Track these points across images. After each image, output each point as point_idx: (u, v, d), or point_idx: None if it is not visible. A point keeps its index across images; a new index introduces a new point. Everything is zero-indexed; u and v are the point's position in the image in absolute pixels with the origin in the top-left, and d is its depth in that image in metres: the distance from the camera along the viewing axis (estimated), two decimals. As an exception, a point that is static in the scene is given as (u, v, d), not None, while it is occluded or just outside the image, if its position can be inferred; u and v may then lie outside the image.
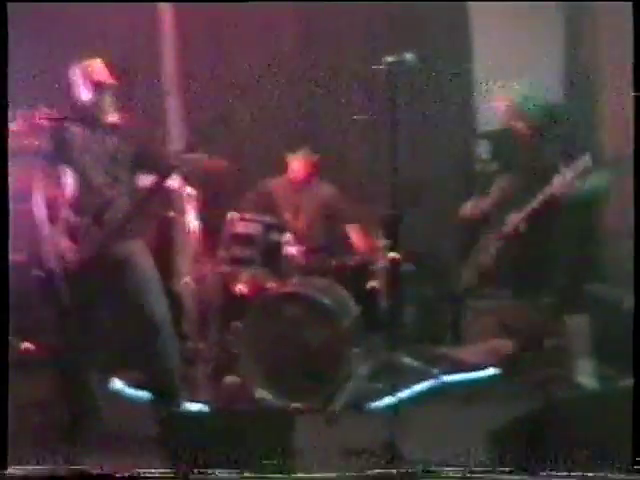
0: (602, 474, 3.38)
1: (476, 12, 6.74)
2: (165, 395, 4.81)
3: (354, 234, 6.06)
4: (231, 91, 6.81)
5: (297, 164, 6.23)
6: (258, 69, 6.84)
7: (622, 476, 3.34)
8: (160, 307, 4.77)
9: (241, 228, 5.72)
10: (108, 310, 4.83)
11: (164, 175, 4.66)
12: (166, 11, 6.73)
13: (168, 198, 5.97)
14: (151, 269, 4.81)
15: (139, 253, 4.78)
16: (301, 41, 7.01)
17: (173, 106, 6.84)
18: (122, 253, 4.68)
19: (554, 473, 3.46)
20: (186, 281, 5.80)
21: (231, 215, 5.78)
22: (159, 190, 4.74)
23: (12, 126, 5.78)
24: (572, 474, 3.43)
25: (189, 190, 5.50)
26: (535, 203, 4.78)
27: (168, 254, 6.27)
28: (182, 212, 5.92)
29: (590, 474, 3.41)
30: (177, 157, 4.65)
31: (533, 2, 6.35)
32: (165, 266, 6.01)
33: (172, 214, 6.19)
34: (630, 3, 4.23)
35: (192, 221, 5.60)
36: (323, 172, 6.35)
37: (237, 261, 5.68)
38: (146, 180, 4.81)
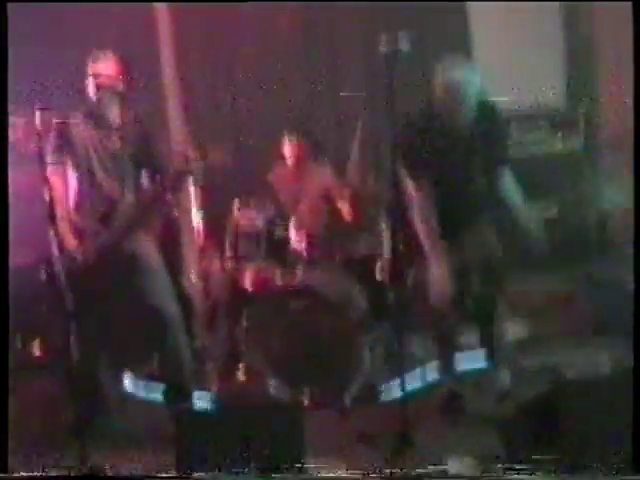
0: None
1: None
2: (177, 392, 4.81)
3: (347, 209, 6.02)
4: (229, 81, 6.83)
5: (290, 149, 6.22)
6: (255, 56, 6.85)
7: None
8: (169, 303, 4.78)
9: (245, 222, 5.71)
10: (117, 309, 4.82)
11: (172, 178, 4.65)
12: (165, 10, 6.75)
13: (172, 196, 5.99)
14: (159, 266, 4.81)
15: (147, 251, 4.78)
16: (299, 28, 7.01)
17: (176, 105, 6.86)
18: (130, 252, 4.69)
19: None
20: (192, 278, 5.79)
21: (234, 210, 5.77)
22: (165, 192, 4.73)
23: (16, 128, 5.86)
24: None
25: (192, 187, 5.49)
26: None
27: (173, 251, 6.26)
28: (186, 209, 5.93)
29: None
30: (188, 162, 4.62)
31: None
32: (171, 263, 6.02)
33: (176, 211, 6.21)
34: (630, 3, 4.23)
35: (196, 217, 5.59)
36: (321, 156, 6.36)
37: (242, 256, 5.67)
38: (152, 181, 4.81)
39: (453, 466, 3.99)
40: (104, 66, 4.64)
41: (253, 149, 6.75)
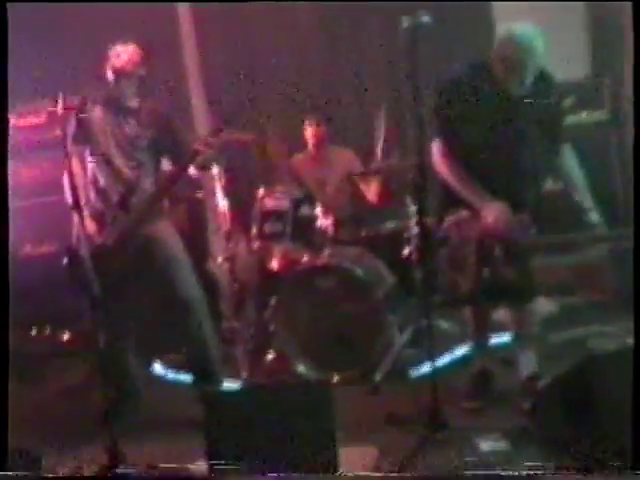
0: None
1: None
2: (204, 376, 4.82)
3: (371, 191, 5.98)
4: (252, 66, 6.80)
5: (311, 132, 6.24)
6: (277, 39, 6.81)
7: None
8: (192, 287, 4.77)
9: (271, 204, 5.69)
10: (140, 293, 4.83)
11: (188, 159, 4.63)
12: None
13: (196, 179, 5.98)
14: (180, 250, 4.81)
15: (167, 235, 4.78)
16: (319, 10, 6.95)
17: (196, 88, 6.85)
18: (150, 236, 4.68)
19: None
20: (219, 261, 5.78)
21: (260, 191, 5.75)
22: (182, 174, 4.72)
23: (39, 114, 5.88)
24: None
25: (216, 169, 5.48)
26: None
27: (200, 235, 6.27)
28: (211, 192, 5.92)
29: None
30: (201, 141, 4.61)
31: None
32: (197, 247, 6.03)
33: (201, 194, 6.21)
34: (630, 3, 4.15)
35: (221, 200, 5.58)
36: (343, 139, 6.31)
37: (269, 237, 5.65)
38: (170, 164, 4.80)
39: (484, 444, 3.97)
40: (123, 51, 4.62)
41: (276, 132, 6.72)
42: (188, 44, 6.94)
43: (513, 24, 4.28)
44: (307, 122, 6.27)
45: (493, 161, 4.28)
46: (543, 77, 4.29)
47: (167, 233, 4.80)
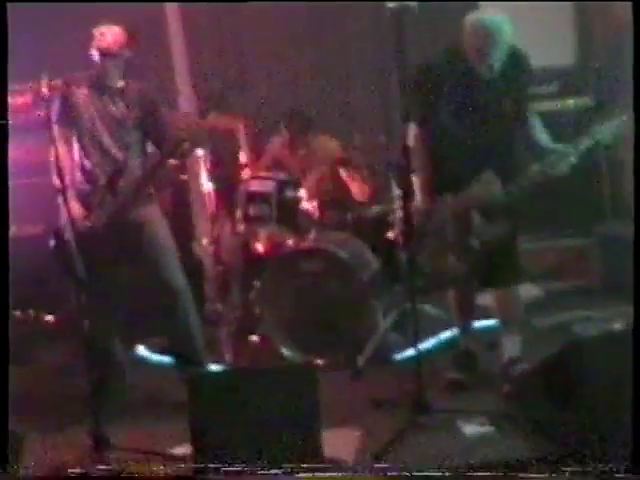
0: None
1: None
2: (187, 361, 4.81)
3: (353, 184, 5.97)
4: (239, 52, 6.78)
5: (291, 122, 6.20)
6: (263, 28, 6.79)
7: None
8: (176, 273, 4.75)
9: (255, 186, 5.67)
10: (125, 277, 4.82)
11: (172, 147, 4.60)
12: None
13: (181, 161, 5.96)
14: (167, 235, 4.79)
15: (153, 218, 4.76)
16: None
17: (182, 71, 6.80)
18: (136, 219, 4.67)
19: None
20: (204, 243, 5.77)
21: (245, 174, 5.74)
22: (169, 158, 4.68)
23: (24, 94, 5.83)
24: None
25: (201, 152, 5.45)
26: None
27: (184, 217, 6.26)
28: (195, 175, 5.91)
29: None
30: (185, 127, 4.58)
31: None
32: (182, 229, 6.01)
33: (185, 177, 6.19)
34: (630, 3, 4.15)
35: (206, 183, 5.55)
36: (331, 124, 6.30)
37: (254, 220, 5.64)
38: (157, 148, 4.77)
39: (467, 428, 3.99)
40: (108, 31, 4.59)
41: (260, 116, 6.70)
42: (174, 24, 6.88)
43: (481, 12, 4.43)
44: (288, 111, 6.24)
45: (466, 142, 4.41)
46: (514, 58, 4.38)
47: (155, 218, 4.77)
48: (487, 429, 3.95)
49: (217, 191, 5.73)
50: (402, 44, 4.08)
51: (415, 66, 4.48)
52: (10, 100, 5.83)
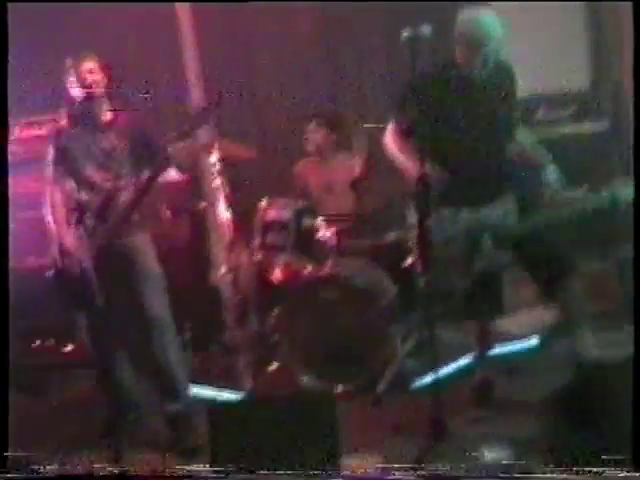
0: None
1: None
2: (166, 391, 4.68)
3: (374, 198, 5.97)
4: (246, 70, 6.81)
5: (314, 136, 6.23)
6: (276, 49, 6.84)
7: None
8: (159, 304, 4.63)
9: (273, 215, 5.69)
10: (115, 307, 4.74)
11: (157, 168, 4.58)
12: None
13: (198, 190, 5.97)
14: (153, 265, 4.71)
15: (140, 248, 4.68)
16: (319, 18, 6.98)
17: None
18: (124, 249, 4.61)
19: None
20: (222, 272, 5.78)
21: (262, 202, 5.75)
22: (152, 183, 4.63)
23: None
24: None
25: (218, 181, 5.46)
26: None
27: (202, 245, 6.26)
28: (213, 203, 5.91)
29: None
30: (168, 148, 4.55)
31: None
32: (200, 258, 6.02)
33: (203, 205, 6.20)
34: (630, 3, 4.16)
35: (223, 211, 5.56)
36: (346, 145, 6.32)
37: (271, 248, 5.64)
38: (143, 173, 4.73)
39: (488, 455, 3.96)
40: (89, 67, 4.57)
41: (278, 142, 6.72)
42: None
43: (473, 9, 4.45)
44: (313, 126, 6.26)
45: (457, 142, 4.47)
46: (502, 63, 4.45)
47: (141, 246, 4.70)
48: (508, 455, 3.92)
49: (234, 219, 5.73)
50: (416, 70, 4.12)
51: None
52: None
